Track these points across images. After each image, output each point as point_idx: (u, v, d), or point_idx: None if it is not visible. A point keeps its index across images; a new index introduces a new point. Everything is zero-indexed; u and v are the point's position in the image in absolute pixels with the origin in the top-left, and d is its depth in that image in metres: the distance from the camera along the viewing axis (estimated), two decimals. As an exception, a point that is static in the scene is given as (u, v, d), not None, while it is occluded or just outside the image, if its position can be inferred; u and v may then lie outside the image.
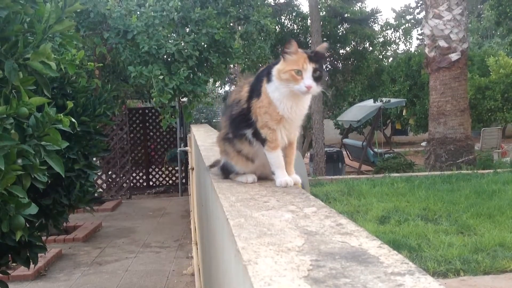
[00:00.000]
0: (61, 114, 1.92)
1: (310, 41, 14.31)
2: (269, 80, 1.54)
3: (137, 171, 11.84)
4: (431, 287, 0.70)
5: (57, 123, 1.89)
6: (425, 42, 11.91)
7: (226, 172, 1.70)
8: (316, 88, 1.48)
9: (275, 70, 1.51)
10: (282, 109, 1.52)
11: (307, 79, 1.46)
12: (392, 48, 18.77)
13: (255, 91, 1.58)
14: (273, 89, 1.52)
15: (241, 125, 1.60)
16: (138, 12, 7.55)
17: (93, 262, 6.17)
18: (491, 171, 10.13)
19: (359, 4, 20.71)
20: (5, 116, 1.72)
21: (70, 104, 2.18)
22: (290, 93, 1.50)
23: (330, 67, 16.50)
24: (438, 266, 4.98)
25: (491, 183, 8.69)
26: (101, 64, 6.69)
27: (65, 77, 2.80)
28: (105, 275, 5.70)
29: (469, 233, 6.04)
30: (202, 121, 20.39)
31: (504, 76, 17.05)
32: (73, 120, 2.07)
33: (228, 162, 1.68)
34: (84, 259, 6.31)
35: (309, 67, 1.46)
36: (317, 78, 1.47)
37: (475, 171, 10.11)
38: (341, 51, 16.64)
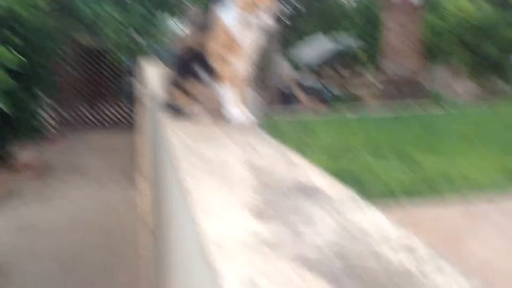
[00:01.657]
0: (5, 48, 1.83)
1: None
2: (225, 9, 1.50)
3: (87, 108, 11.56)
4: (375, 216, 0.73)
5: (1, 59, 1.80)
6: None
7: (178, 115, 1.65)
8: (271, 23, 1.48)
9: None
10: (239, 37, 1.49)
11: (265, 14, 1.46)
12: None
13: (207, 26, 1.53)
14: (230, 18, 1.49)
15: (192, 65, 1.55)
16: None
17: (43, 199, 6.08)
18: (443, 111, 10.47)
19: None
20: None
21: (15, 41, 2.08)
22: (247, 22, 1.48)
23: (292, 10, 16.45)
24: (384, 198, 5.18)
25: (442, 121, 9.02)
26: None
27: (15, 16, 2.65)
28: (56, 211, 5.64)
29: (415, 167, 6.30)
30: (156, 59, 19.90)
31: (463, 20, 17.25)
32: (22, 58, 1.99)
33: (179, 105, 1.62)
34: (34, 196, 6.21)
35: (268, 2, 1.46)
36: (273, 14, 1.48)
37: (427, 110, 10.43)
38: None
